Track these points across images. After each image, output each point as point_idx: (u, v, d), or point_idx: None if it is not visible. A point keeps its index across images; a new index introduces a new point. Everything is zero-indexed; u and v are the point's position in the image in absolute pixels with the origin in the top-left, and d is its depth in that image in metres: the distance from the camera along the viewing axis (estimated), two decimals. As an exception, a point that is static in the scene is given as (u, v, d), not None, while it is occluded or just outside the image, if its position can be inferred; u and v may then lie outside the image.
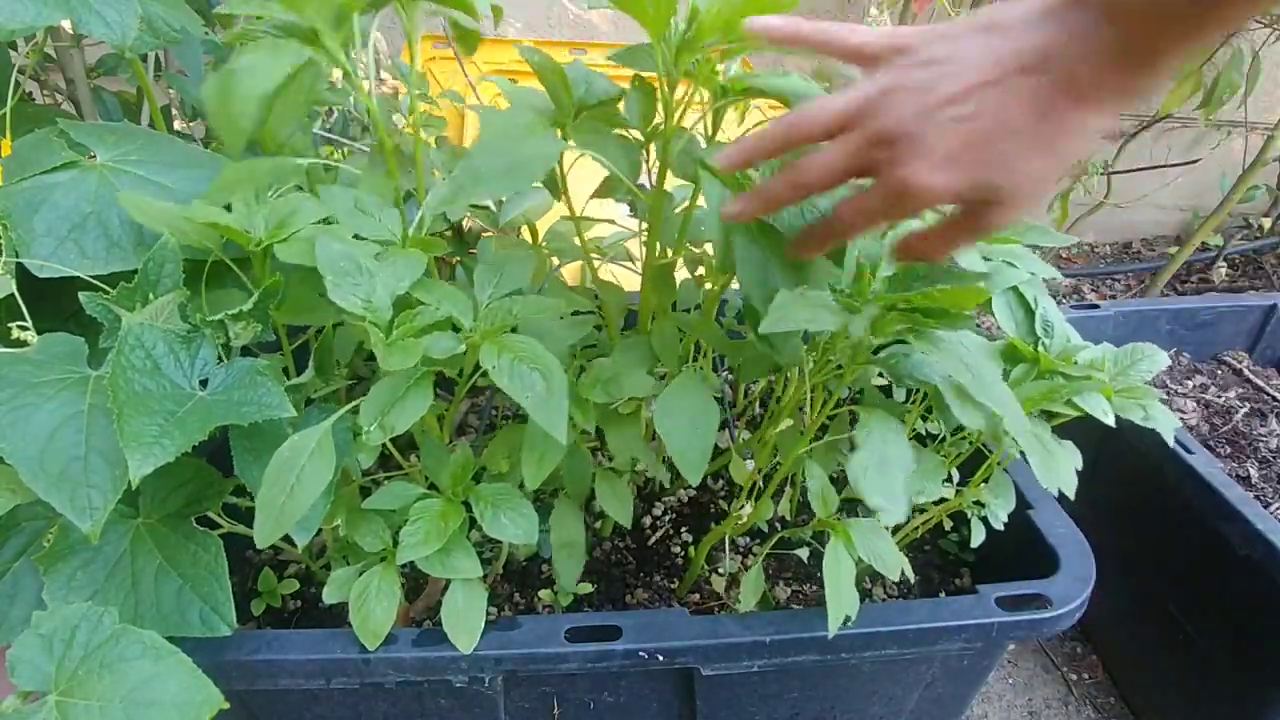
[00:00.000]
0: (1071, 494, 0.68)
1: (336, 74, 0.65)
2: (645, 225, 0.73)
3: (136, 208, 0.64)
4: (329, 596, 0.69)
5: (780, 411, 0.74)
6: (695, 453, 0.66)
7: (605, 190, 0.77)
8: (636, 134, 0.70)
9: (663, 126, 0.65)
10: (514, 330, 0.64)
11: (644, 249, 0.73)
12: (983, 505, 0.78)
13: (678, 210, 0.75)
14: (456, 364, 0.68)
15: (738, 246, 0.59)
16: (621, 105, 0.70)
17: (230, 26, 1.08)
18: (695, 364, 0.94)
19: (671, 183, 0.70)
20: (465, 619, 0.67)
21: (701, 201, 0.67)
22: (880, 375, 0.82)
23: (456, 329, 0.65)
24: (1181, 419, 1.21)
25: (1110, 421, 0.69)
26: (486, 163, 0.58)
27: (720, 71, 0.62)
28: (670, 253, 0.75)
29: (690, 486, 1.00)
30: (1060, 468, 0.67)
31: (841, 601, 0.65)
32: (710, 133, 0.68)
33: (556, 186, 0.77)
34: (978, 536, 0.80)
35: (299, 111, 0.63)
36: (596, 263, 0.84)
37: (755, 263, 0.59)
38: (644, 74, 0.68)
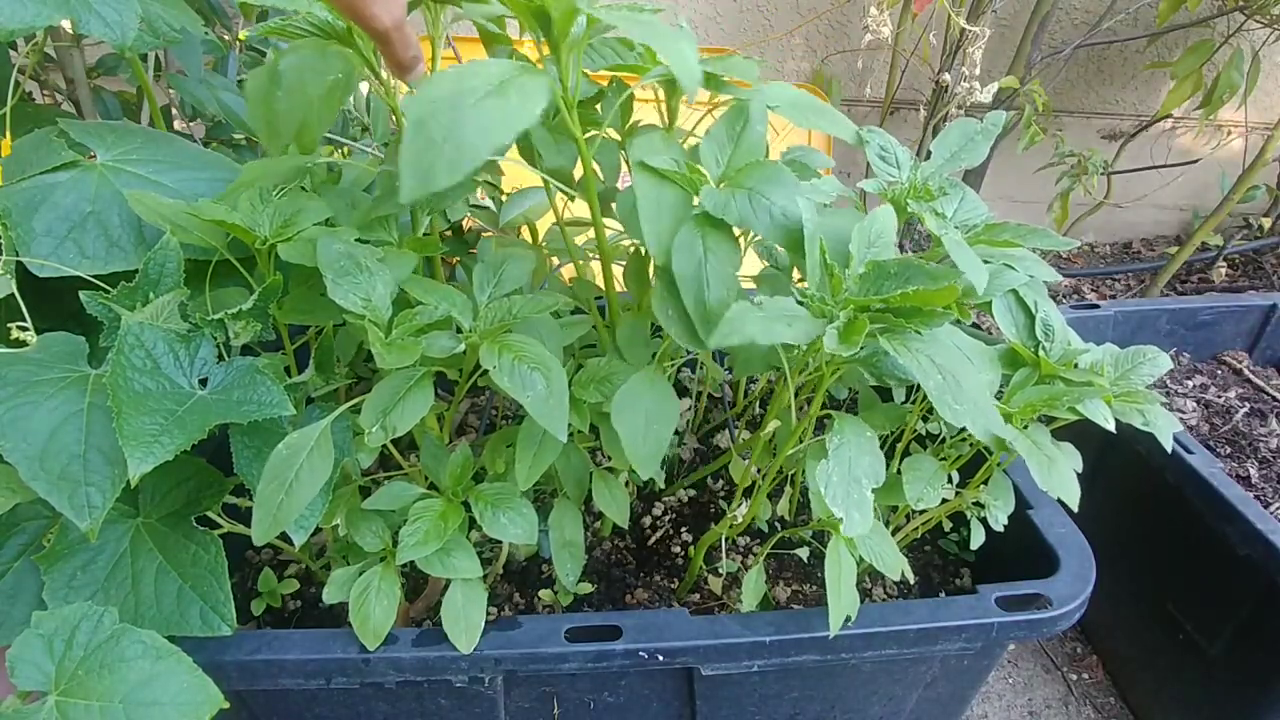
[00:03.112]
0: (1074, 503, 0.67)
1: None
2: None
3: (143, 205, 0.64)
4: (329, 597, 0.69)
5: (771, 412, 0.74)
6: (648, 448, 0.65)
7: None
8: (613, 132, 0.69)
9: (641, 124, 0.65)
10: (513, 330, 0.64)
11: (597, 245, 0.73)
12: (982, 506, 0.78)
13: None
14: (457, 364, 0.68)
15: (677, 243, 0.57)
16: (600, 106, 0.69)
17: (251, 15, 1.08)
18: (695, 359, 0.94)
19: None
20: (465, 619, 0.67)
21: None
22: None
23: (457, 329, 0.65)
24: (1181, 419, 1.21)
25: (1111, 427, 0.69)
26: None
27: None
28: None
29: (690, 486, 1.00)
30: (1060, 474, 0.66)
31: (843, 601, 0.65)
32: (667, 123, 0.68)
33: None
34: (977, 538, 0.80)
35: (334, 114, 0.63)
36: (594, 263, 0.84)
37: (693, 254, 0.58)
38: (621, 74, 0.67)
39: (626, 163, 0.69)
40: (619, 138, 0.70)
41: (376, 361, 0.58)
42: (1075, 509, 0.68)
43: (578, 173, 0.72)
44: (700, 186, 0.59)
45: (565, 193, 0.67)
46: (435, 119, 0.42)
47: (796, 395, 0.67)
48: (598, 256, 0.84)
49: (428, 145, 0.41)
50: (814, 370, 0.64)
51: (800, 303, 0.56)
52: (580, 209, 0.81)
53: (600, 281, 0.84)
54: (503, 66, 0.46)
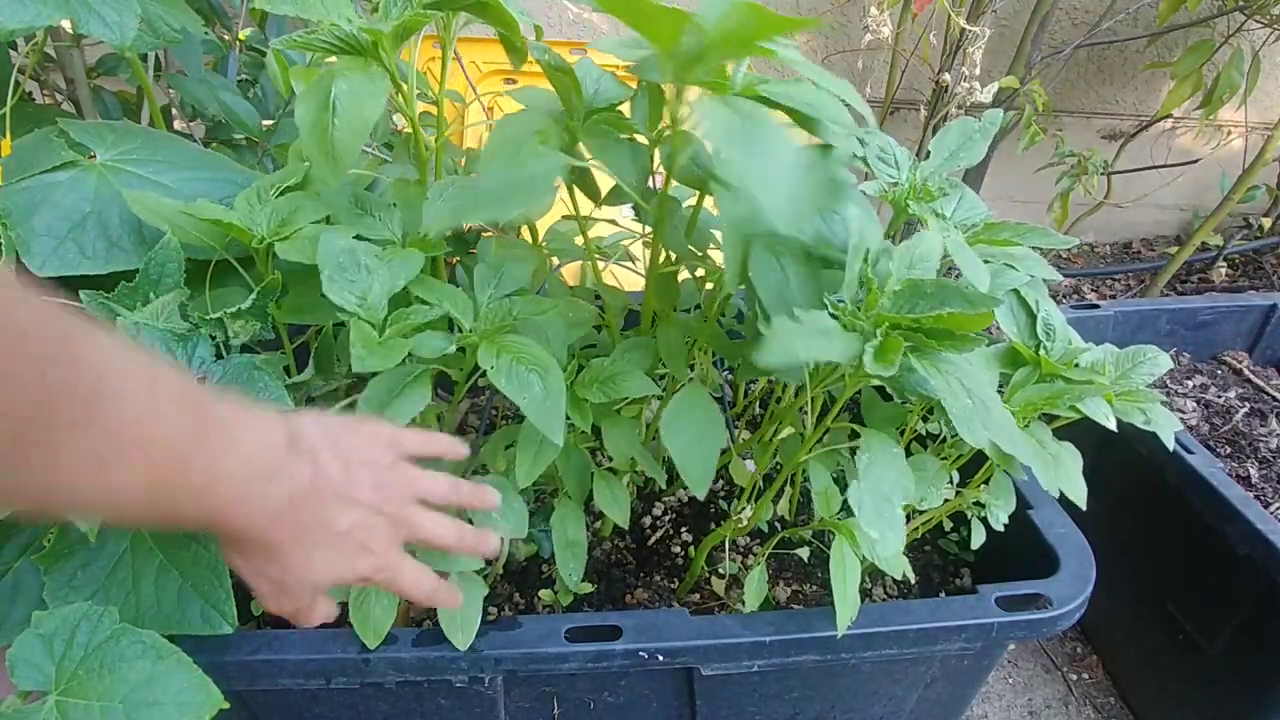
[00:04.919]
0: (1082, 503, 0.67)
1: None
2: (649, 230, 0.73)
3: (142, 206, 0.65)
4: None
5: (780, 417, 0.74)
6: (701, 467, 0.66)
7: (613, 198, 0.77)
8: (642, 137, 0.69)
9: (669, 133, 0.65)
10: (514, 331, 0.64)
11: (647, 253, 0.73)
12: (983, 506, 0.78)
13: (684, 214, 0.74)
14: (457, 364, 0.68)
15: (754, 263, 0.57)
16: (627, 108, 0.69)
17: (259, 19, 1.08)
18: (697, 363, 0.94)
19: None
20: (462, 615, 0.67)
21: (709, 207, 0.67)
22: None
23: (457, 329, 0.64)
24: (1181, 419, 1.21)
25: (1112, 426, 0.69)
26: (488, 183, 0.58)
27: (730, 78, 0.61)
28: (675, 257, 0.75)
29: (690, 486, 1.00)
30: (1066, 473, 0.66)
31: (848, 601, 0.65)
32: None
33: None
34: (978, 538, 0.80)
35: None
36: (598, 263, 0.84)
37: (773, 275, 0.57)
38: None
39: (652, 165, 0.69)
40: (647, 141, 0.69)
41: (353, 365, 0.56)
42: (1084, 507, 0.68)
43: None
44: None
45: (643, 208, 0.67)
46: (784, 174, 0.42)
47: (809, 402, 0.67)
48: (604, 259, 0.84)
49: (791, 194, 0.42)
50: (835, 379, 0.64)
51: (833, 315, 0.56)
52: (586, 206, 0.81)
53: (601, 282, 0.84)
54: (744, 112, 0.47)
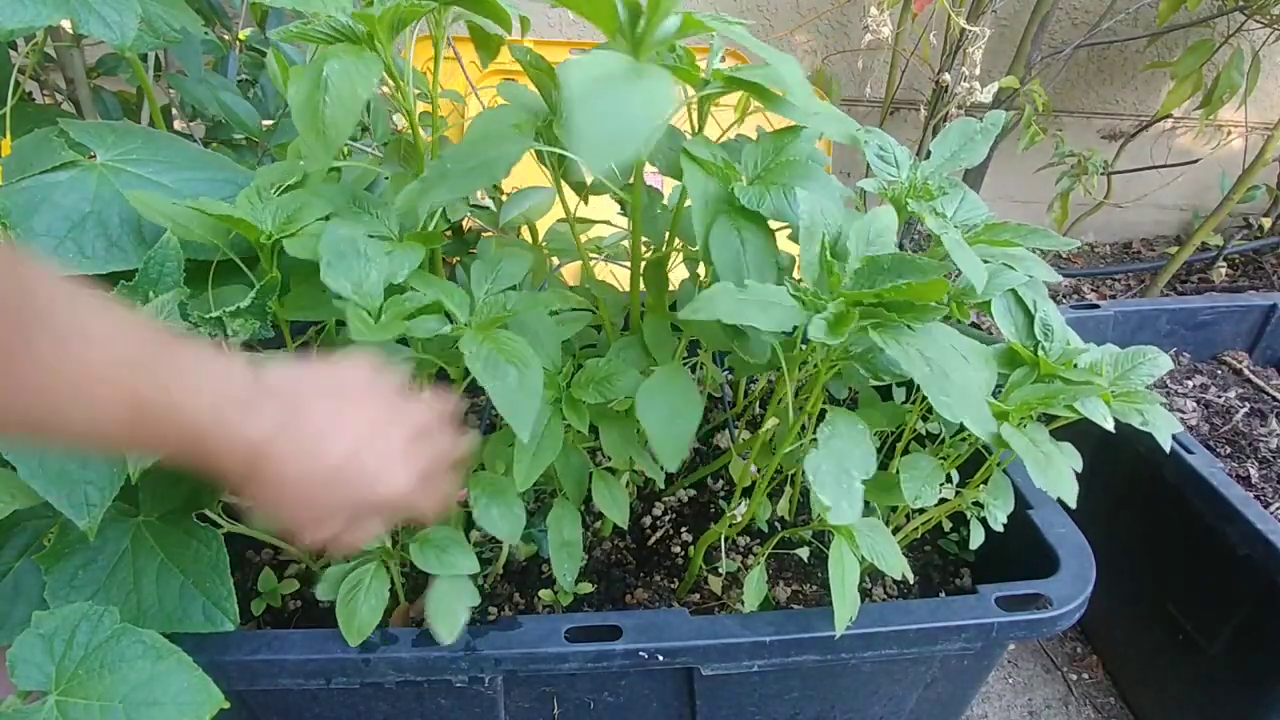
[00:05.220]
0: (1072, 502, 0.67)
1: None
2: (629, 221, 0.73)
3: (144, 205, 0.65)
4: (322, 594, 0.69)
5: (770, 411, 0.74)
6: (674, 440, 0.66)
7: (597, 188, 0.77)
8: None
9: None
10: (506, 326, 0.64)
11: (630, 245, 0.73)
12: (982, 506, 0.78)
13: (672, 206, 0.74)
14: (455, 362, 0.68)
15: (714, 234, 0.58)
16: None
17: (259, 19, 1.08)
18: (695, 360, 0.94)
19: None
20: (448, 608, 0.67)
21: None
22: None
23: (451, 320, 0.64)
24: (1181, 419, 1.21)
25: (1109, 426, 0.69)
26: (454, 164, 0.60)
27: (701, 66, 0.62)
28: (658, 248, 0.74)
29: (690, 486, 1.00)
30: (1057, 471, 0.66)
31: (847, 601, 0.65)
32: (697, 126, 0.68)
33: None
34: (977, 538, 0.80)
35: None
36: (597, 262, 0.84)
37: (730, 245, 0.59)
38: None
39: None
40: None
41: (352, 335, 0.57)
42: (1073, 505, 0.68)
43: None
44: (733, 182, 0.60)
45: (613, 194, 0.67)
46: (599, 96, 0.41)
47: (796, 395, 0.67)
48: (601, 257, 0.85)
49: (598, 119, 0.40)
50: (812, 367, 0.64)
51: (795, 295, 0.56)
52: (590, 210, 0.81)
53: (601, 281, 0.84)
54: (617, 59, 0.46)
